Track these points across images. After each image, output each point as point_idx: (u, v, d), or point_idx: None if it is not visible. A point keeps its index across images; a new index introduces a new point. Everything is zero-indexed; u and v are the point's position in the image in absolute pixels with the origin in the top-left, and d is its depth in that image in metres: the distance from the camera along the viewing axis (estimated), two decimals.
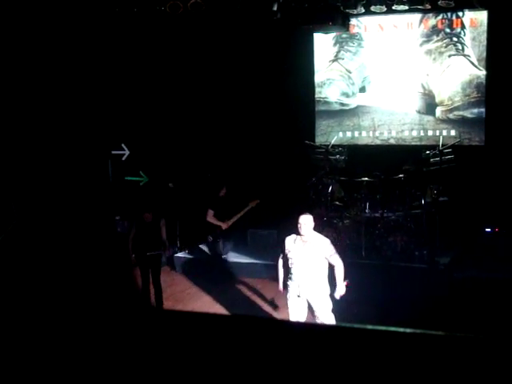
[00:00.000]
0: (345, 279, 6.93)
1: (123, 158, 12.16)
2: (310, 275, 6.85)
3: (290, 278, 6.99)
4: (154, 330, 1.83)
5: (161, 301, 8.92)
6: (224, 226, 10.63)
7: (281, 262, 7.18)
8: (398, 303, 8.42)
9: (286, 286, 7.12)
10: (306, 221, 6.90)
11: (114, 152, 12.14)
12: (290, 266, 6.98)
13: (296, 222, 6.93)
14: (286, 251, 7.02)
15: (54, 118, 11.20)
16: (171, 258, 11.42)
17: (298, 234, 6.95)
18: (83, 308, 1.99)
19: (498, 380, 1.47)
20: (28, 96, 10.86)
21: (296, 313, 7.03)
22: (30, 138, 10.87)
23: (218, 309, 9.16)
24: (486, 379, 1.48)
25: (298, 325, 2.33)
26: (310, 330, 1.81)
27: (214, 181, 11.56)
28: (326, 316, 6.95)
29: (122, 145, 12.17)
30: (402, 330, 1.56)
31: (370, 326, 1.59)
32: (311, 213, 7.25)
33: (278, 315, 8.66)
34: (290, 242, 7.01)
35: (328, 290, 6.96)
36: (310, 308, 7.04)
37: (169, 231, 11.24)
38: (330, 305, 6.97)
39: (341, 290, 6.93)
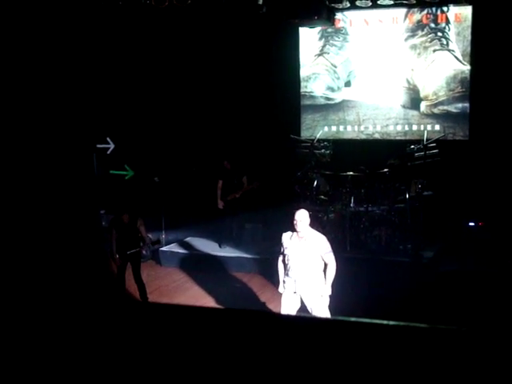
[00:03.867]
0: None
1: (108, 152, 12.10)
2: (306, 272, 6.85)
3: (287, 275, 6.98)
4: (140, 324, 1.84)
5: (145, 295, 8.91)
6: (220, 204, 11.19)
7: (280, 260, 7.14)
8: (382, 297, 8.47)
9: (283, 282, 7.11)
10: (302, 217, 6.86)
11: (98, 146, 12.08)
12: (286, 262, 6.97)
13: (291, 219, 6.90)
14: (283, 248, 7.01)
15: (39, 112, 11.13)
16: (156, 252, 11.41)
17: (293, 230, 6.94)
18: (67, 301, 1.99)
19: (482, 372, 1.49)
20: (12, 89, 10.78)
21: (288, 308, 7.03)
22: (14, 132, 10.80)
23: (204, 302, 9.15)
24: (470, 371, 1.50)
25: (282, 317, 2.34)
26: (295, 322, 1.82)
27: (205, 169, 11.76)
28: (321, 313, 6.94)
29: (107, 138, 12.11)
30: (385, 322, 1.57)
31: (353, 319, 1.60)
32: (297, 207, 7.26)
33: (264, 309, 8.66)
34: (287, 238, 7.00)
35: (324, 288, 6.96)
36: (304, 305, 7.03)
37: (154, 225, 11.25)
38: (325, 302, 6.98)
39: (328, 289, 6.95)
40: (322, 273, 6.94)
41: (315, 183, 10.66)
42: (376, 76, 11.98)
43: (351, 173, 10.52)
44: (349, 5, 10.76)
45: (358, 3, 10.74)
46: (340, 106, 12.34)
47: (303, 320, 1.93)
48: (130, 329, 1.82)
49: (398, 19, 11.73)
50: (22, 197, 10.72)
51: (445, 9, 11.37)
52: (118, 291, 8.85)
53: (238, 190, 11.09)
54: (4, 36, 10.47)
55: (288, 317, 2.56)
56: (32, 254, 9.91)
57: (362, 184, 10.49)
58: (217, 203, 11.21)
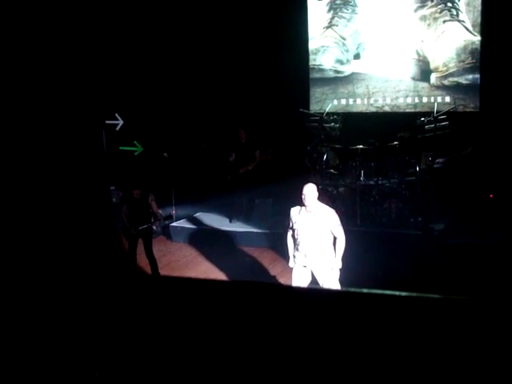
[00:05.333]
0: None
1: (117, 128, 12.09)
2: (316, 245, 6.84)
3: (297, 249, 6.97)
4: (152, 297, 1.84)
5: (157, 271, 8.96)
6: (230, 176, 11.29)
7: (289, 235, 7.15)
8: (392, 270, 8.47)
9: (293, 257, 7.12)
10: (310, 191, 6.84)
11: (107, 122, 12.07)
12: (296, 236, 6.96)
13: (299, 193, 6.89)
14: (292, 223, 7.01)
15: (47, 89, 11.11)
16: (167, 228, 11.45)
17: (302, 204, 6.93)
18: (79, 279, 2.00)
19: (492, 340, 1.49)
20: (19, 65, 10.76)
21: (299, 282, 7.03)
22: (21, 109, 10.79)
23: (215, 277, 9.18)
24: (480, 340, 1.50)
25: (294, 289, 2.35)
26: (306, 294, 1.82)
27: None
28: (332, 287, 6.94)
29: (116, 114, 12.10)
30: (397, 293, 1.57)
31: (365, 290, 1.60)
32: (306, 181, 7.24)
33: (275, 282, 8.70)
34: (295, 213, 6.98)
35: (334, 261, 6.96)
36: (315, 279, 7.04)
37: (164, 201, 11.28)
38: (335, 275, 6.99)
39: (338, 263, 6.95)
40: (332, 246, 6.94)
41: (325, 157, 10.63)
42: (385, 48, 11.86)
43: (361, 146, 10.47)
44: None
45: None
46: (349, 79, 12.26)
47: (315, 292, 1.93)
48: (142, 302, 1.82)
49: None
50: (31, 173, 10.75)
51: None
52: (130, 267, 8.90)
53: (251, 163, 11.09)
54: (10, 13, 10.42)
55: (299, 289, 2.56)
56: (42, 232, 9.97)
57: (372, 157, 10.44)
58: (228, 176, 11.25)
